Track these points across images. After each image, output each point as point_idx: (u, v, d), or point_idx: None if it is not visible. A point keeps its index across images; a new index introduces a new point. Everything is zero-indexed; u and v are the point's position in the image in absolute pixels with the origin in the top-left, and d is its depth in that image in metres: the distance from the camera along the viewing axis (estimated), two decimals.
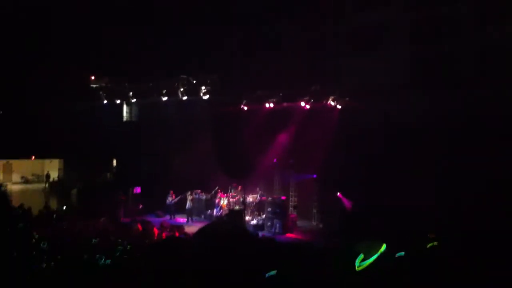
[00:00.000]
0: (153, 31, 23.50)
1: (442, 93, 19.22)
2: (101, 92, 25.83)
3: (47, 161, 34.42)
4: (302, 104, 22.24)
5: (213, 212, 23.85)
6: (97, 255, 11.07)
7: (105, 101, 26.10)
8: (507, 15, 19.09)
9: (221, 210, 23.23)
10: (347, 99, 22.11)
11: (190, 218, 24.16)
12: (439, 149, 18.96)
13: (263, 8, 23.17)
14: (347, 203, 21.15)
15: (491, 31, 19.29)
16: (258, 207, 24.02)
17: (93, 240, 14.37)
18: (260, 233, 20.49)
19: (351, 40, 22.97)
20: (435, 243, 11.08)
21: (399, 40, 21.54)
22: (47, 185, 32.00)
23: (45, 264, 10.33)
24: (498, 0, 19.56)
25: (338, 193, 21.42)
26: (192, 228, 20.37)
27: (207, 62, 22.43)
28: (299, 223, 23.49)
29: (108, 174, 27.80)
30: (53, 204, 24.45)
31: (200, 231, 14.69)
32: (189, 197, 24.38)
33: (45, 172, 33.51)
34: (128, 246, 13.45)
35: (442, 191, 18.06)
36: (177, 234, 18.89)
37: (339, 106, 22.24)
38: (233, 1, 23.48)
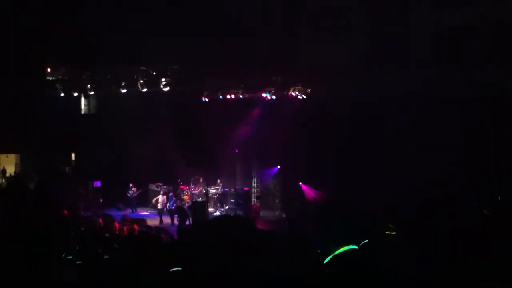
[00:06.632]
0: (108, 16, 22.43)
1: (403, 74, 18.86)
2: (58, 85, 25.17)
3: (3, 156, 33.44)
4: (264, 95, 22.38)
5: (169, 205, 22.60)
6: (59, 250, 10.80)
7: (62, 94, 25.44)
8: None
9: (174, 204, 22.57)
10: (309, 90, 22.32)
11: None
12: (402, 134, 18.94)
13: None
14: (309, 192, 21.37)
15: (449, 13, 19.12)
16: (221, 199, 24.04)
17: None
18: None
19: (312, 24, 22.40)
20: (393, 232, 11.18)
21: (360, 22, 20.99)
22: (3, 180, 31.16)
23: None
24: None
25: (300, 183, 21.63)
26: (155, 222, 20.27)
27: (168, 50, 21.81)
28: (262, 213, 23.62)
29: (67, 168, 27.24)
30: None
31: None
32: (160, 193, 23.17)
33: (1, 168, 32.62)
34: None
35: (404, 181, 18.05)
36: (136, 227, 18.61)
37: (301, 97, 22.48)
38: None
